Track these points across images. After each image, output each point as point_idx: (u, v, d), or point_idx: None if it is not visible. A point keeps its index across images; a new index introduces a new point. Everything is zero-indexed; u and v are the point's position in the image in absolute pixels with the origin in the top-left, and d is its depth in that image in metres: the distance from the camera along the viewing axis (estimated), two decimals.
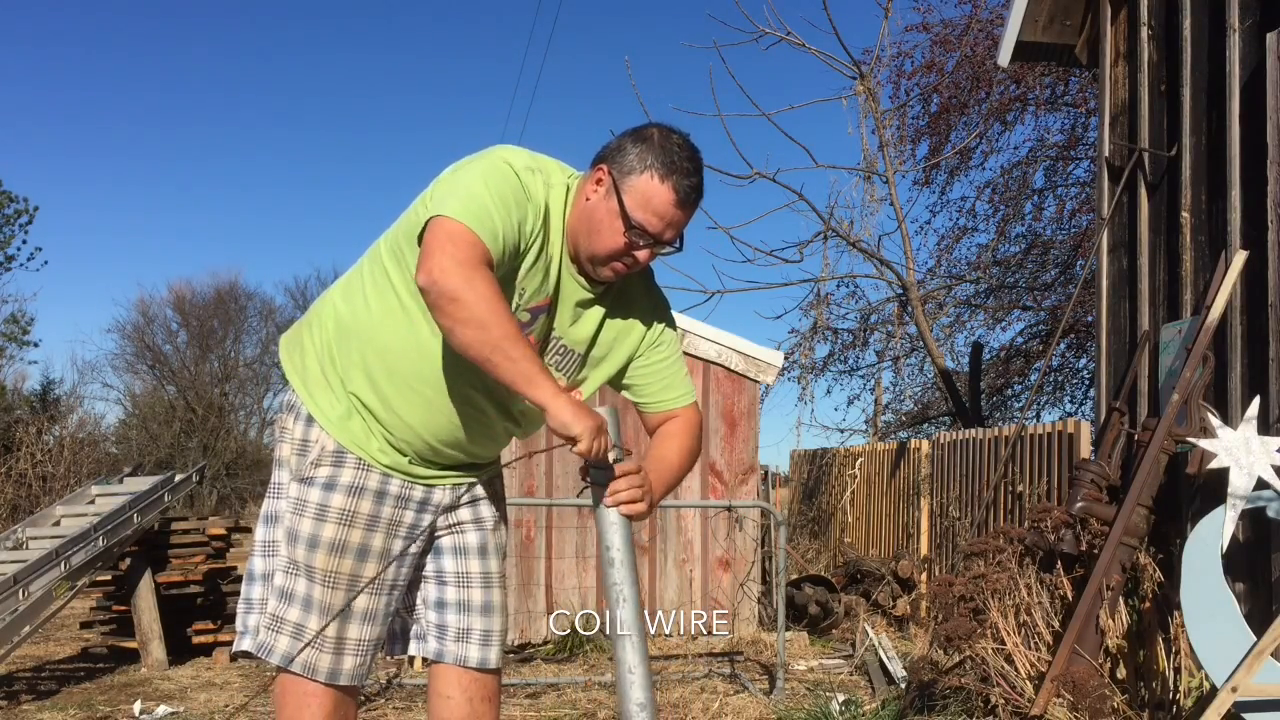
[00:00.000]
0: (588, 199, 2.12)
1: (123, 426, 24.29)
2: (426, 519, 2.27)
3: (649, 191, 2.07)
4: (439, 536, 2.32)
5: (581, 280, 2.18)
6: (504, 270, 2.03)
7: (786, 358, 12.38)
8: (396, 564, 2.23)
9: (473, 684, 2.33)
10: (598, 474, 2.04)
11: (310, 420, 2.20)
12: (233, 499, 21.56)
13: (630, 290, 2.27)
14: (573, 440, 1.94)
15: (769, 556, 7.81)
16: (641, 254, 2.12)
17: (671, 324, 2.35)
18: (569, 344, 2.22)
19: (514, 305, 2.08)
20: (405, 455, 2.21)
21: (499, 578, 2.37)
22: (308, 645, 2.14)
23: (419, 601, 2.35)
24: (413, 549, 2.25)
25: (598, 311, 2.23)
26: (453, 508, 2.31)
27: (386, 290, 2.15)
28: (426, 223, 1.99)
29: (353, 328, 2.17)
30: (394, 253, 2.16)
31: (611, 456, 2.03)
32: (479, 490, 2.35)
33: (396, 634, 2.39)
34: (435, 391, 2.15)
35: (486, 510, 2.36)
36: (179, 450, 22.13)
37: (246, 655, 2.25)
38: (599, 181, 2.11)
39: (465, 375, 2.14)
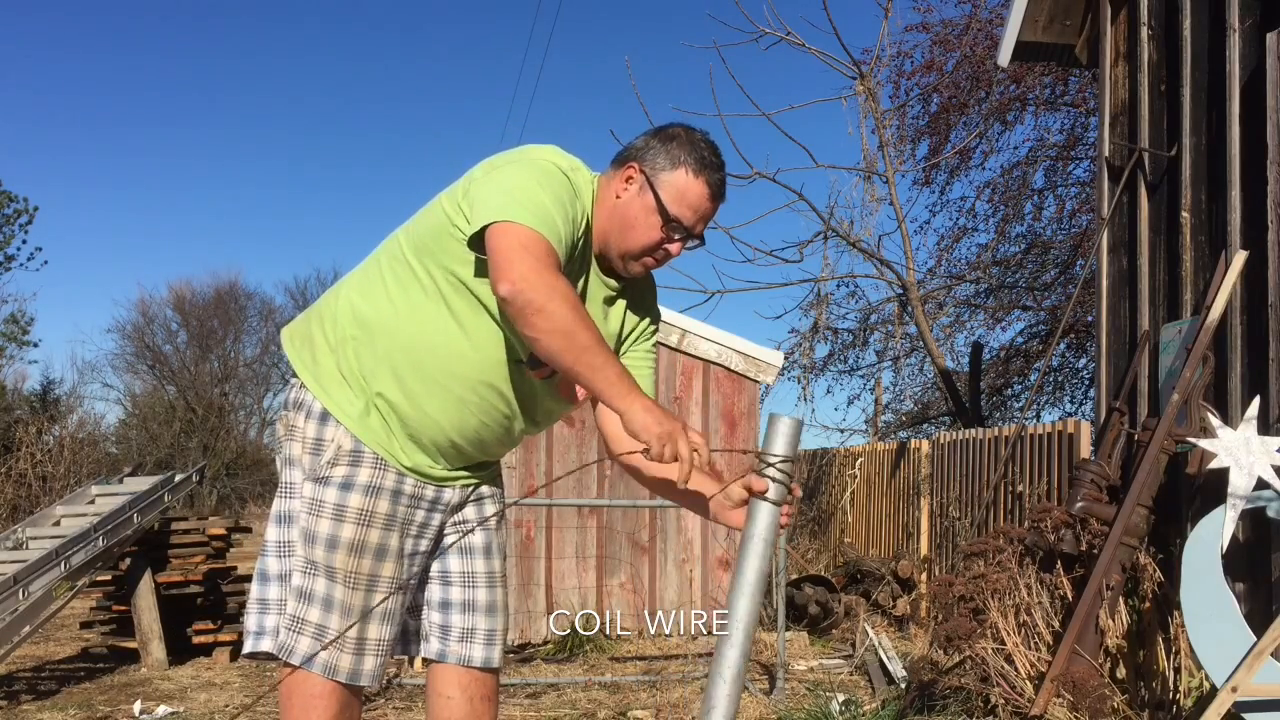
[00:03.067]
0: (618, 196, 2.15)
1: (123, 426, 24.34)
2: (436, 518, 2.27)
3: (684, 186, 2.13)
4: (444, 536, 2.32)
5: (606, 279, 2.21)
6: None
7: (786, 358, 12.38)
8: (410, 563, 2.23)
9: (473, 683, 2.33)
10: (785, 475, 1.97)
11: (324, 418, 2.18)
12: (233, 499, 21.56)
13: (640, 285, 2.31)
14: (647, 447, 1.92)
15: None
16: (674, 247, 2.16)
17: (658, 315, 2.41)
18: None
19: None
20: (427, 455, 2.21)
21: (502, 577, 2.37)
22: (330, 645, 2.13)
23: (423, 602, 2.35)
24: (421, 547, 2.25)
25: (620, 306, 2.27)
26: (459, 507, 2.32)
27: (413, 287, 2.14)
28: (485, 227, 1.99)
29: (377, 324, 2.16)
30: (419, 249, 2.15)
31: (775, 473, 1.95)
32: (483, 489, 2.36)
33: (397, 635, 2.38)
34: (465, 388, 2.15)
35: (490, 509, 2.37)
36: (179, 450, 22.15)
37: (261, 656, 2.21)
38: (629, 179, 2.15)
39: (495, 371, 2.14)
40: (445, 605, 2.32)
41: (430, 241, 2.13)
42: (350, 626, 2.14)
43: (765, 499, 1.98)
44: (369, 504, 2.15)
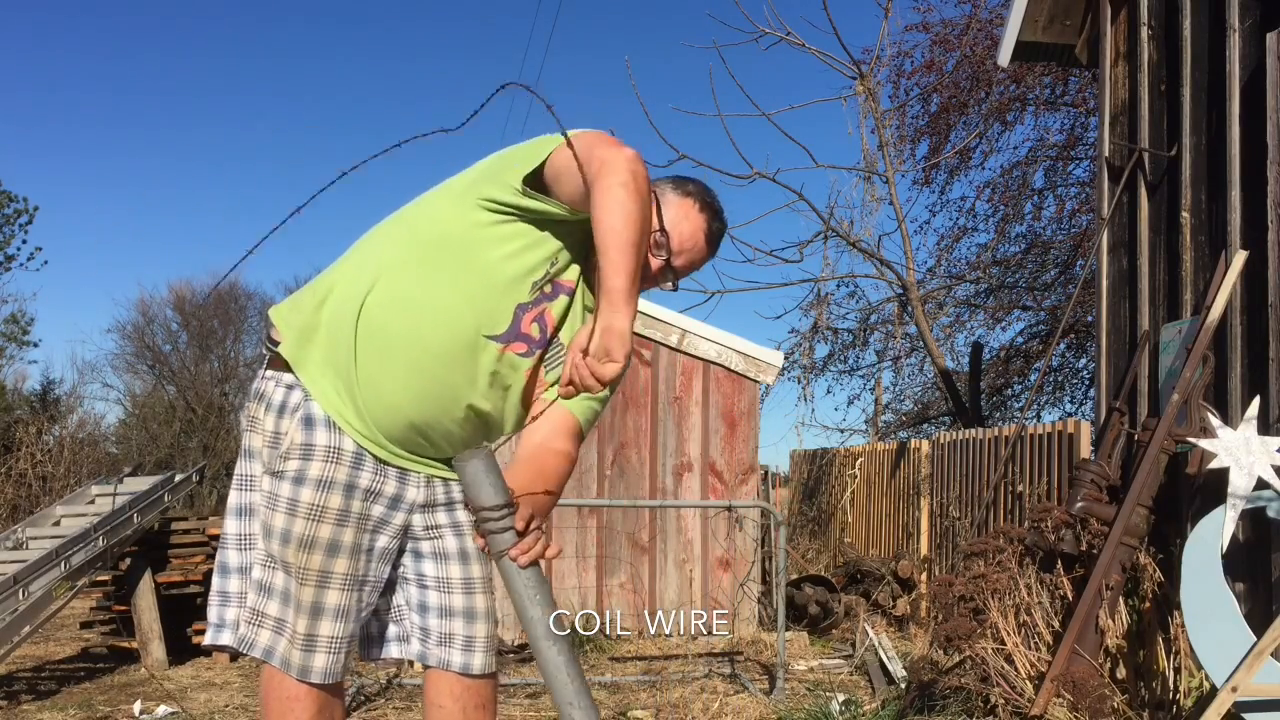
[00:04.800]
0: None
1: (123, 426, 24.30)
2: (398, 516, 2.24)
3: (685, 213, 2.20)
4: (419, 540, 2.30)
5: (591, 292, 2.20)
6: (561, 231, 2.09)
7: (786, 358, 12.38)
8: (367, 560, 2.20)
9: (465, 692, 2.31)
10: (497, 524, 1.85)
11: (281, 411, 2.16)
12: None
13: None
14: (610, 359, 1.94)
15: (769, 556, 7.81)
16: (653, 263, 2.17)
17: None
18: (567, 344, 2.21)
19: (544, 273, 2.12)
20: (381, 432, 2.18)
21: (482, 583, 2.34)
22: (287, 639, 2.15)
23: (403, 603, 2.34)
24: (380, 543, 2.22)
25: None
26: (429, 508, 2.28)
27: (397, 261, 2.13)
28: (545, 161, 2.03)
29: (349, 293, 2.14)
30: (406, 220, 2.17)
31: (491, 526, 1.86)
32: (455, 493, 2.32)
33: (374, 637, 2.37)
34: (430, 357, 2.10)
35: (464, 515, 2.34)
36: (179, 450, 22.12)
37: (224, 649, 2.25)
38: None
39: (466, 341, 2.11)
40: (423, 608, 2.32)
41: (417, 213, 2.15)
42: (300, 622, 2.15)
43: (493, 556, 1.88)
44: (320, 499, 2.14)
